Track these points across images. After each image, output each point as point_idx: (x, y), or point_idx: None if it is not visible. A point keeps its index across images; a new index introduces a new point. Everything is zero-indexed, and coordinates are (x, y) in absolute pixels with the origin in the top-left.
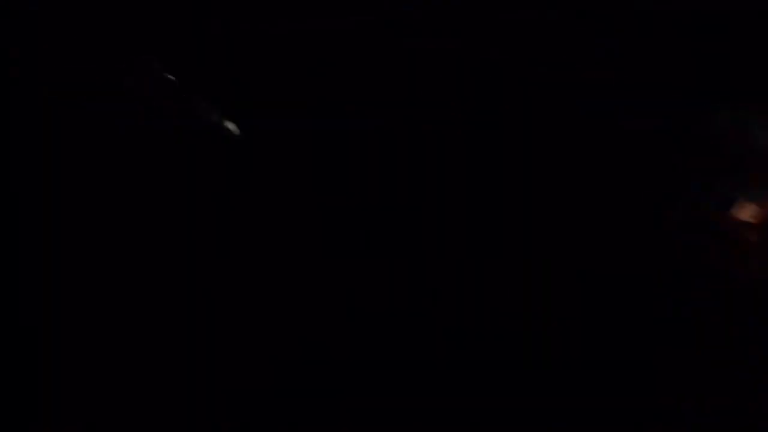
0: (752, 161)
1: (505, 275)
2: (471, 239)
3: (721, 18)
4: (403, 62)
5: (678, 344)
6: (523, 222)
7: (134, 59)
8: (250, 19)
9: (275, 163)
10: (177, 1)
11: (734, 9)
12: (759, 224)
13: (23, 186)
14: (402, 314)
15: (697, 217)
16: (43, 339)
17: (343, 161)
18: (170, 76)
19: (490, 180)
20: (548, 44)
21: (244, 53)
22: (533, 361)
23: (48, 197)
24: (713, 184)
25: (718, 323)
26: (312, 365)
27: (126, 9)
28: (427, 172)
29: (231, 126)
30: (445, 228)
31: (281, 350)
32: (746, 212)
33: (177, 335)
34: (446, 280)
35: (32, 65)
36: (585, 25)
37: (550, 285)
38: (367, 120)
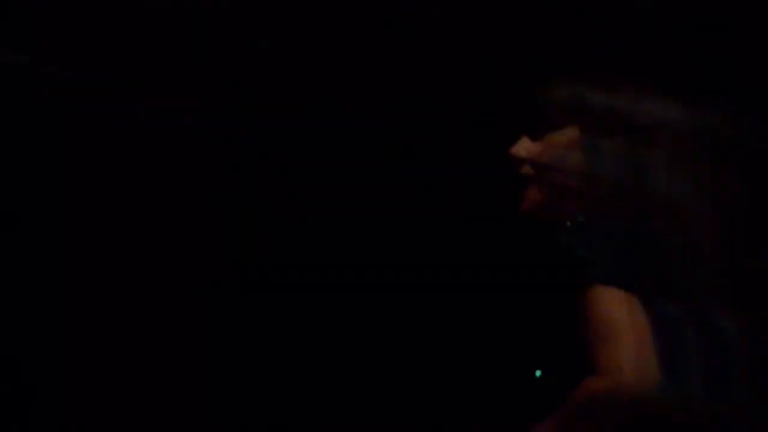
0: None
1: None
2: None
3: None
4: (403, 62)
5: None
6: None
7: (134, 59)
8: (249, 20)
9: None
10: (177, 1)
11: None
12: None
13: (24, 184)
14: None
15: None
16: (42, 337)
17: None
18: (170, 77)
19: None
20: (548, 44)
21: (244, 53)
22: None
23: (48, 195)
24: None
25: None
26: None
27: (126, 10)
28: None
29: (231, 126)
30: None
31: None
32: None
33: (180, 335)
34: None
35: (32, 65)
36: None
37: None
38: (367, 120)
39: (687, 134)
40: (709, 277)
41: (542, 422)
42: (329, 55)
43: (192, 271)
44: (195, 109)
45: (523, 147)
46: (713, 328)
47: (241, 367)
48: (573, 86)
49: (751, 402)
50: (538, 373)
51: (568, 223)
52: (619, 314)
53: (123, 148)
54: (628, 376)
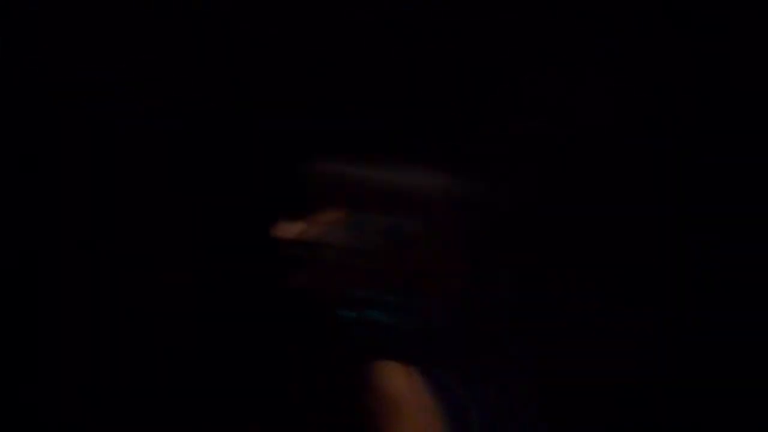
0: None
1: None
2: None
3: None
4: (403, 62)
5: None
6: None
7: (134, 59)
8: (249, 19)
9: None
10: (177, 1)
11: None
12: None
13: (23, 185)
14: None
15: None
16: (41, 337)
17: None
18: (170, 77)
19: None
20: (548, 44)
21: (244, 53)
22: None
23: (48, 196)
24: None
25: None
26: None
27: (126, 9)
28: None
29: (231, 125)
30: None
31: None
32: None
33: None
34: None
35: (32, 65)
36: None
37: None
38: (367, 120)
39: (446, 204)
40: (467, 346)
41: None
42: (329, 54)
43: (192, 270)
44: (195, 109)
45: (288, 228)
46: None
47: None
48: (333, 164)
49: None
50: None
51: (347, 301)
52: (402, 390)
53: (123, 148)
54: None
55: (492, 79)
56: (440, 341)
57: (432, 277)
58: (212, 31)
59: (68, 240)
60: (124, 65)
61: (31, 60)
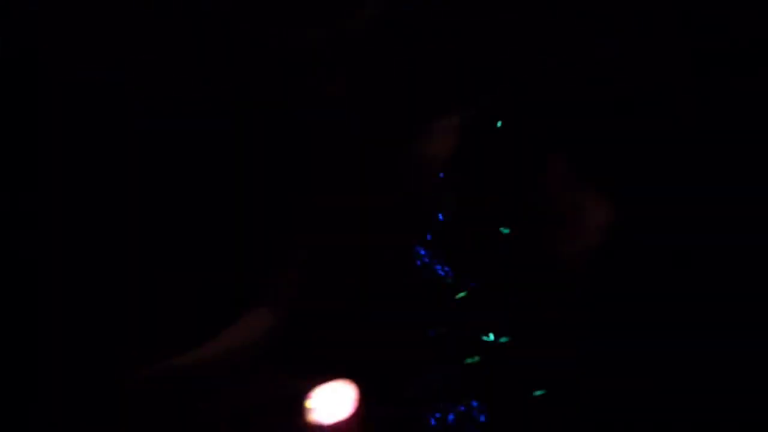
0: None
1: None
2: None
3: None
4: (403, 62)
5: None
6: None
7: (134, 59)
8: (249, 20)
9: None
10: (177, 1)
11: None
12: None
13: (23, 185)
14: None
15: None
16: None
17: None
18: (170, 76)
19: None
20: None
21: (245, 54)
22: None
23: (48, 196)
24: None
25: None
26: None
27: (126, 9)
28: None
29: (232, 125)
30: None
31: None
32: None
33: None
34: None
35: (32, 65)
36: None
37: None
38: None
39: None
40: None
41: None
42: (330, 54)
43: (193, 272)
44: (195, 109)
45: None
46: None
47: None
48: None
49: None
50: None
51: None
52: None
53: (123, 148)
54: None
55: (492, 79)
56: None
57: None
58: (213, 31)
59: (68, 241)
60: (125, 65)
61: (31, 60)
